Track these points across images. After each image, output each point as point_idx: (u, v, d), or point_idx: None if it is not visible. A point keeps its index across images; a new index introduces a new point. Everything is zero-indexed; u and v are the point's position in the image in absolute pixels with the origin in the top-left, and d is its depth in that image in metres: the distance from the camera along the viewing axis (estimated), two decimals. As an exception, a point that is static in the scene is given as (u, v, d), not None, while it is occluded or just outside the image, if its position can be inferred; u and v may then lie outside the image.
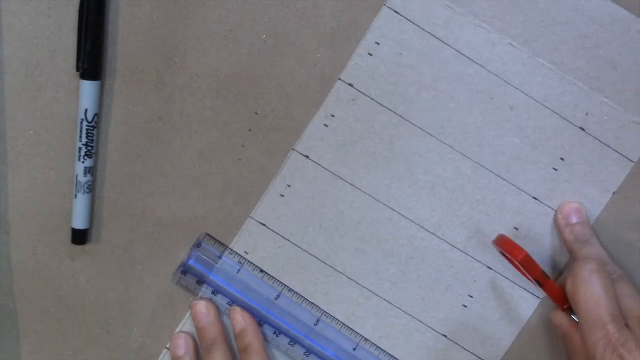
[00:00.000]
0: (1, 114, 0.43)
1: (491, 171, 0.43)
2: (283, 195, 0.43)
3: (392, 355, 0.44)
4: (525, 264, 0.39)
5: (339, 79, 0.42)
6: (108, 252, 0.45)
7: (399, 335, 0.44)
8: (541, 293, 0.43)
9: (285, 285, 0.44)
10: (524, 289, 0.44)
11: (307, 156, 0.43)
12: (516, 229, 0.43)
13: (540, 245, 0.43)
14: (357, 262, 0.44)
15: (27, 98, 0.42)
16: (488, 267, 0.44)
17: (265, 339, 0.44)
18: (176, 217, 0.44)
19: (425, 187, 0.43)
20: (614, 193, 0.43)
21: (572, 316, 0.41)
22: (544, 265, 0.42)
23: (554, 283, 0.40)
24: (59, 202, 0.44)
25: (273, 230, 0.44)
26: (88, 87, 0.41)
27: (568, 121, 0.42)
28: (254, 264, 0.44)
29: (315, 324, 0.44)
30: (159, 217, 0.44)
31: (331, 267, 0.44)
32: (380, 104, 0.42)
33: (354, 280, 0.44)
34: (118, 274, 0.45)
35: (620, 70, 0.42)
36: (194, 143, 0.43)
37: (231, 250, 0.44)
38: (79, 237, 0.44)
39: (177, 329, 0.45)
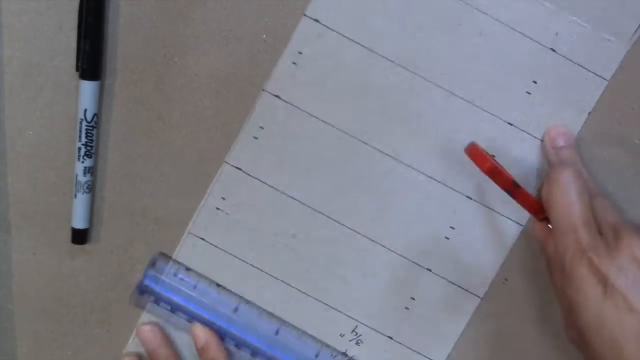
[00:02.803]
0: (1, 113, 0.43)
1: (464, 99, 0.42)
2: (257, 138, 0.43)
3: None
4: (492, 174, 0.39)
5: (304, 14, 0.41)
6: (108, 252, 0.45)
7: (383, 272, 0.44)
8: (524, 219, 0.43)
9: (243, 298, 0.44)
10: (506, 217, 0.43)
11: (277, 96, 0.42)
12: (493, 156, 0.42)
13: (518, 171, 0.42)
14: (336, 200, 0.43)
15: (27, 98, 0.42)
16: (468, 197, 0.43)
17: (227, 352, 0.44)
18: (176, 217, 0.44)
19: (399, 120, 0.42)
20: (589, 113, 0.42)
21: (549, 226, 0.40)
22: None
23: (526, 192, 0.39)
24: (59, 202, 0.44)
25: (249, 174, 0.43)
26: (87, 87, 0.41)
27: (539, 43, 0.41)
28: (209, 279, 0.44)
29: (276, 334, 0.44)
30: (159, 217, 0.44)
31: (310, 207, 0.43)
32: (348, 38, 0.41)
33: (333, 219, 0.43)
34: (118, 273, 0.45)
35: None
36: (194, 143, 0.43)
37: (187, 267, 0.44)
38: (79, 237, 0.44)
39: (124, 351, 0.45)
